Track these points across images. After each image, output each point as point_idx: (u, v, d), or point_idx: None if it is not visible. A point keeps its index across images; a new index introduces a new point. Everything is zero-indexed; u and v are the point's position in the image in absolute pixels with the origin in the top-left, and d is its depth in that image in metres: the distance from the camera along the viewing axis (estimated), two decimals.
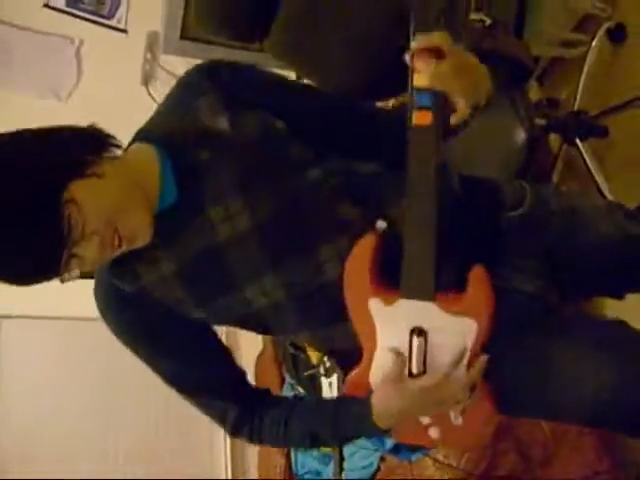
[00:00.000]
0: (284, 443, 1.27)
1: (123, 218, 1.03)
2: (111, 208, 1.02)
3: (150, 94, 3.14)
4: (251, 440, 1.26)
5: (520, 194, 1.26)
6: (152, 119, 1.22)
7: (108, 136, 1.10)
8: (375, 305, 1.10)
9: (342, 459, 2.61)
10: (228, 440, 3.38)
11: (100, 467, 3.16)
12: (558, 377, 1.14)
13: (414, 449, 2.21)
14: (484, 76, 1.08)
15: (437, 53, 0.98)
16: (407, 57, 1.00)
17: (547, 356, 1.15)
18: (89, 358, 3.24)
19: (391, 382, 1.12)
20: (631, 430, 1.22)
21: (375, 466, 2.46)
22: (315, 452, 2.80)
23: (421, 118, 1.01)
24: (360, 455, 2.52)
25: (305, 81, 2.13)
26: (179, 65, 3.07)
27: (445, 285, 1.07)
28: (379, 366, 1.14)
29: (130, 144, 1.17)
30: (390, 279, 1.09)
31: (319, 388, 2.76)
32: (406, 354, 1.11)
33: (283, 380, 3.08)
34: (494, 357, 1.10)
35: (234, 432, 1.26)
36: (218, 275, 1.13)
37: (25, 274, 1.00)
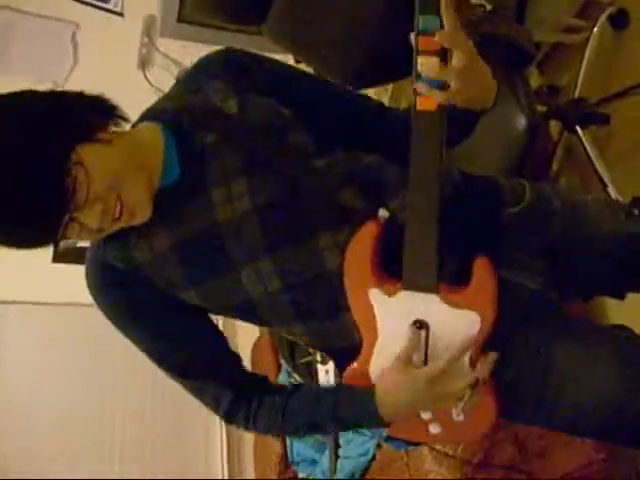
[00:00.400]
0: (280, 431, 1.25)
1: (126, 185, 1.04)
2: (116, 173, 1.02)
3: (147, 78, 3.11)
4: (246, 426, 1.24)
5: (520, 191, 1.24)
6: (161, 100, 1.22)
7: (116, 107, 1.11)
8: (376, 296, 1.08)
9: (338, 447, 2.61)
10: (225, 439, 3.37)
11: (95, 468, 3.15)
12: (558, 373, 1.13)
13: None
14: (488, 77, 1.05)
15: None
16: (412, 37, 0.95)
17: (548, 352, 1.14)
18: (87, 350, 3.24)
19: (394, 371, 1.10)
20: (630, 442, 1.23)
21: (371, 454, 2.45)
22: (311, 440, 2.80)
23: (425, 103, 0.98)
24: (356, 443, 2.51)
25: (304, 65, 2.12)
26: (176, 49, 3.05)
27: (447, 277, 1.05)
28: (380, 357, 1.13)
29: (137, 123, 1.18)
30: (391, 269, 1.07)
31: (315, 375, 2.75)
32: (408, 346, 1.09)
33: (279, 367, 3.07)
34: (495, 350, 1.08)
35: (228, 418, 1.24)
36: (214, 256, 1.12)
37: (24, 233, 0.99)
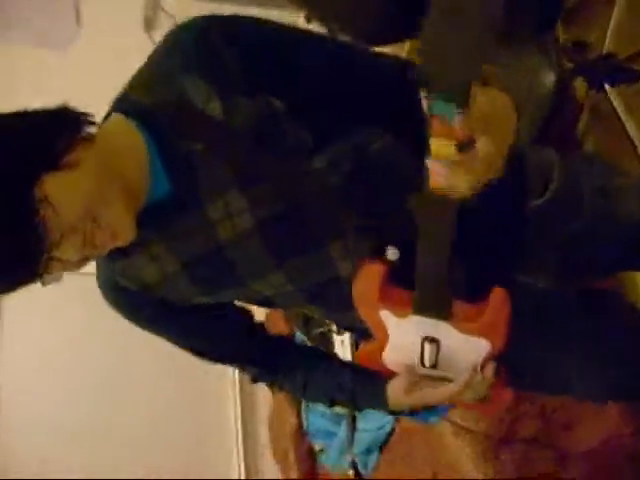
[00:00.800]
0: (302, 398, 1.45)
1: (103, 209, 0.93)
2: (87, 200, 0.91)
3: (154, 42, 3.03)
4: (271, 389, 1.37)
5: (547, 173, 1.12)
6: (133, 85, 1.06)
7: (82, 115, 0.97)
8: (387, 316, 1.07)
9: (355, 419, 2.60)
10: (240, 436, 3.39)
11: (116, 467, 3.15)
12: (579, 362, 1.17)
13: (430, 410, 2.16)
14: (511, 121, 0.86)
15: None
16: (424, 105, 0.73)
17: (567, 347, 1.18)
18: (89, 330, 3.22)
19: (404, 382, 1.15)
20: None
21: (389, 428, 2.46)
22: (327, 411, 2.79)
23: (439, 181, 0.81)
24: (374, 416, 2.50)
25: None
26: (183, 7, 2.96)
27: (459, 287, 1.01)
28: (392, 353, 1.14)
29: (109, 113, 1.04)
30: (402, 290, 1.04)
31: (331, 345, 2.76)
32: (418, 360, 1.12)
33: (293, 336, 3.05)
34: (513, 346, 1.07)
35: (254, 383, 1.34)
36: (223, 273, 1.08)
37: (2, 282, 0.91)
